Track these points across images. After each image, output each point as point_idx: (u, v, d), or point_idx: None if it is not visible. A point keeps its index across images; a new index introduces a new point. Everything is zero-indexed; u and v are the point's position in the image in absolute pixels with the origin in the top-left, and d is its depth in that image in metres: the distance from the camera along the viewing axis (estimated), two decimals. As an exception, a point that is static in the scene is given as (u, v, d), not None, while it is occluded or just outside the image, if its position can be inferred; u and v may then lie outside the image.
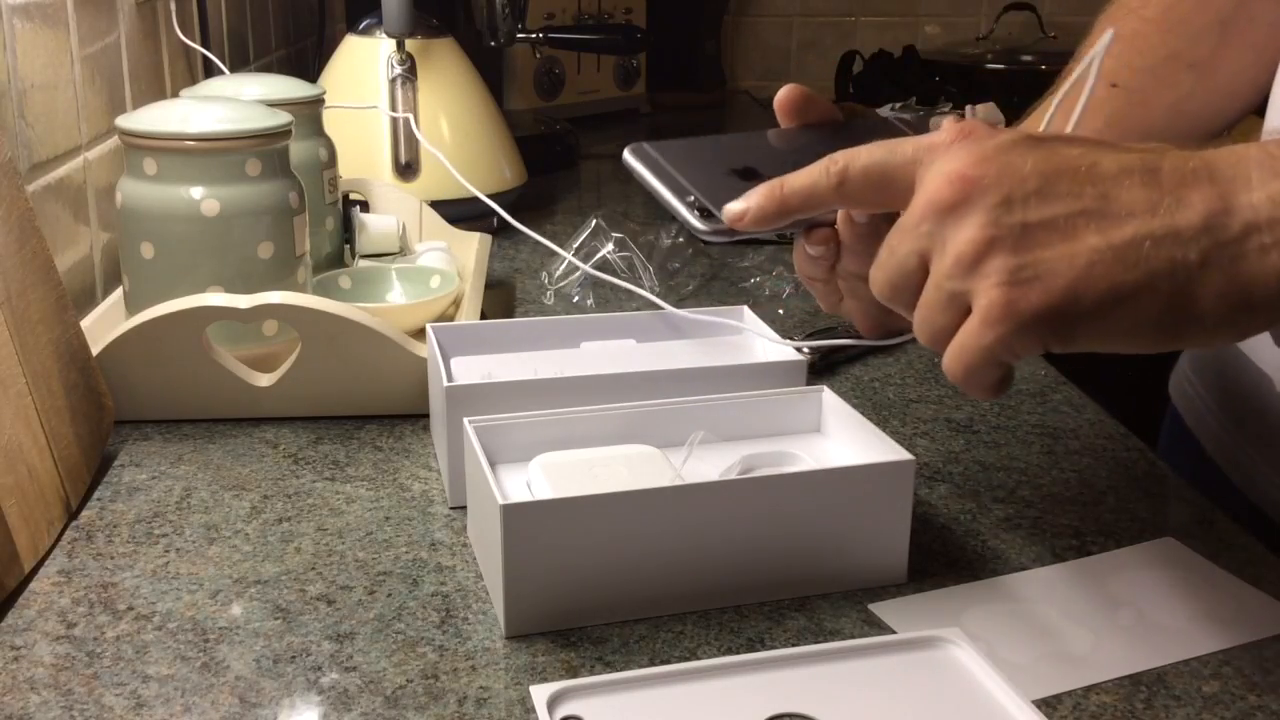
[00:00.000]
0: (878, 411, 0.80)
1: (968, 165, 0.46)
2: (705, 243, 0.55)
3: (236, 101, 0.82)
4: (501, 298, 1.03)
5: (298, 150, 0.86)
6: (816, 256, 0.56)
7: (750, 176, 0.55)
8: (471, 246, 1.02)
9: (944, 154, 0.47)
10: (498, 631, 0.55)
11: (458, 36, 1.23)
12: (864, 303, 0.57)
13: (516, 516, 0.52)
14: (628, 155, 0.56)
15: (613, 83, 1.93)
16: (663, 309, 0.76)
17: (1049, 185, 0.45)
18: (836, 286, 0.58)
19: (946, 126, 0.49)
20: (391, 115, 1.15)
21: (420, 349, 0.76)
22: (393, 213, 1.06)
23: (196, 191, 0.76)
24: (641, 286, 0.99)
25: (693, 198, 0.54)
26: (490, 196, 1.03)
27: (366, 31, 1.19)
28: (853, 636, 0.55)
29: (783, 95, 0.59)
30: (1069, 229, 0.45)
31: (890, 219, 0.54)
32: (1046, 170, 0.46)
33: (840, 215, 0.54)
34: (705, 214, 0.54)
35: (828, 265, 0.56)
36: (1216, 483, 0.77)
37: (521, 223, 0.96)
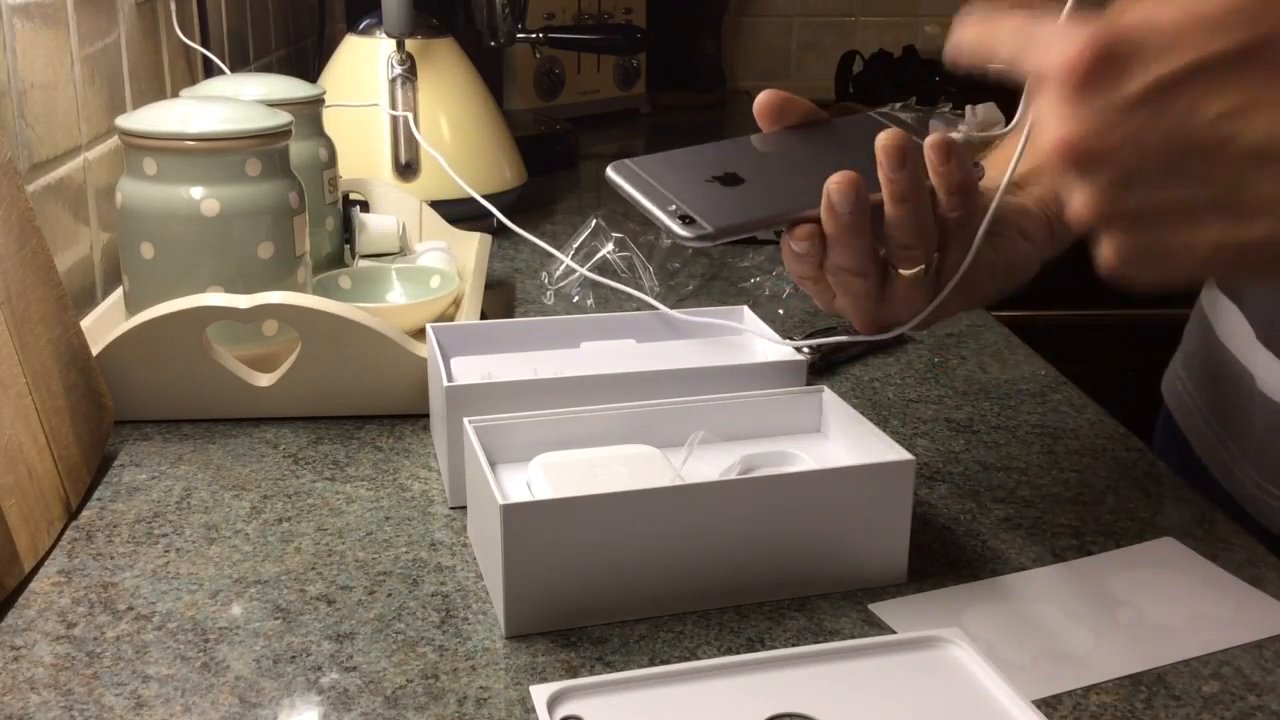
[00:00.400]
0: (878, 411, 0.80)
1: (1083, 136, 0.41)
2: (690, 248, 0.56)
3: (236, 101, 0.82)
4: (501, 298, 1.03)
5: (298, 150, 0.86)
6: (802, 253, 0.56)
7: (731, 182, 0.56)
8: (471, 246, 1.02)
9: (1061, 108, 0.41)
10: (498, 631, 0.55)
11: (458, 36, 1.23)
12: (857, 298, 0.57)
13: (516, 516, 0.52)
14: (610, 172, 0.57)
15: (613, 83, 1.93)
16: (662, 311, 0.76)
17: (1175, 167, 0.41)
18: (828, 284, 0.58)
19: (1070, 44, 0.40)
20: (391, 113, 1.15)
21: (420, 349, 0.76)
22: (393, 213, 1.06)
23: (196, 191, 0.76)
24: (641, 286, 0.99)
25: (674, 206, 0.55)
26: (490, 196, 1.03)
27: (366, 31, 1.20)
28: (853, 636, 0.55)
29: (761, 101, 0.59)
30: (1192, 216, 0.41)
31: (871, 210, 0.54)
32: (1173, 147, 0.40)
33: (823, 207, 0.54)
34: (687, 220, 0.54)
35: (815, 262, 0.56)
36: (1203, 481, 0.77)
37: (522, 223, 0.96)
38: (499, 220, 1.10)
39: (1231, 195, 0.41)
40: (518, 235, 0.94)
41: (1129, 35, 0.40)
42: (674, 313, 0.75)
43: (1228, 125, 0.40)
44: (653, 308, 0.76)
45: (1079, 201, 0.42)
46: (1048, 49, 0.41)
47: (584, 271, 0.94)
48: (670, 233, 0.54)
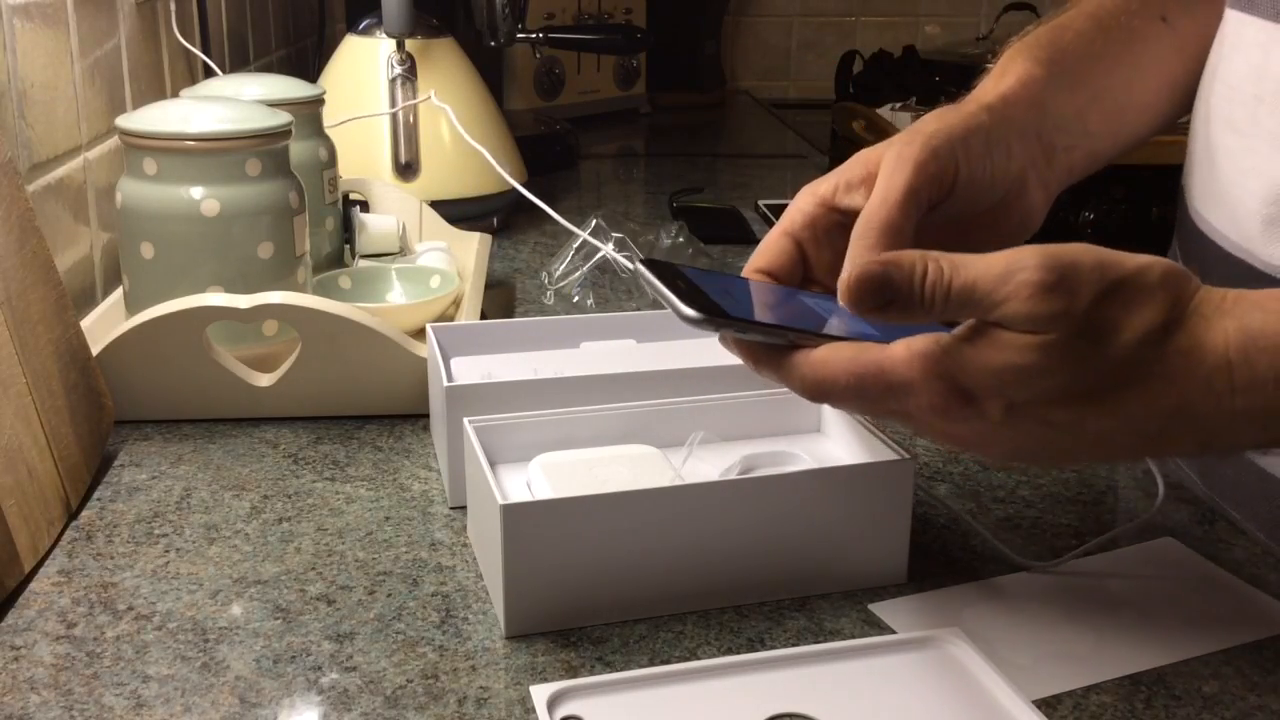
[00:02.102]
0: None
1: (966, 442, 0.47)
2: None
3: (236, 101, 0.82)
4: (501, 298, 1.03)
5: (298, 150, 0.86)
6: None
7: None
8: (471, 246, 1.02)
9: (937, 425, 0.47)
10: (498, 631, 0.55)
11: (458, 36, 1.23)
12: None
13: (516, 516, 0.52)
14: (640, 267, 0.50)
15: (613, 83, 1.93)
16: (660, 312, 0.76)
17: (1047, 449, 0.47)
18: None
19: (924, 389, 0.45)
20: (423, 103, 1.15)
21: (420, 349, 0.76)
22: (393, 213, 1.06)
23: (196, 191, 0.76)
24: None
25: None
26: (490, 196, 1.03)
27: (366, 31, 1.20)
28: (853, 636, 0.55)
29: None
30: (1067, 458, 0.49)
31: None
32: (1037, 443, 0.47)
33: None
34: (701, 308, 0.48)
35: None
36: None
37: (522, 222, 0.96)
38: (499, 220, 1.10)
39: (1093, 453, 0.48)
40: (518, 235, 0.94)
41: (972, 377, 0.45)
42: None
43: (1076, 427, 0.46)
44: (653, 303, 0.76)
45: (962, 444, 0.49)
46: (902, 393, 0.46)
47: (612, 254, 0.94)
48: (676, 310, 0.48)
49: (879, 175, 0.54)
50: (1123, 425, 0.45)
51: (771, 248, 0.56)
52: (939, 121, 0.56)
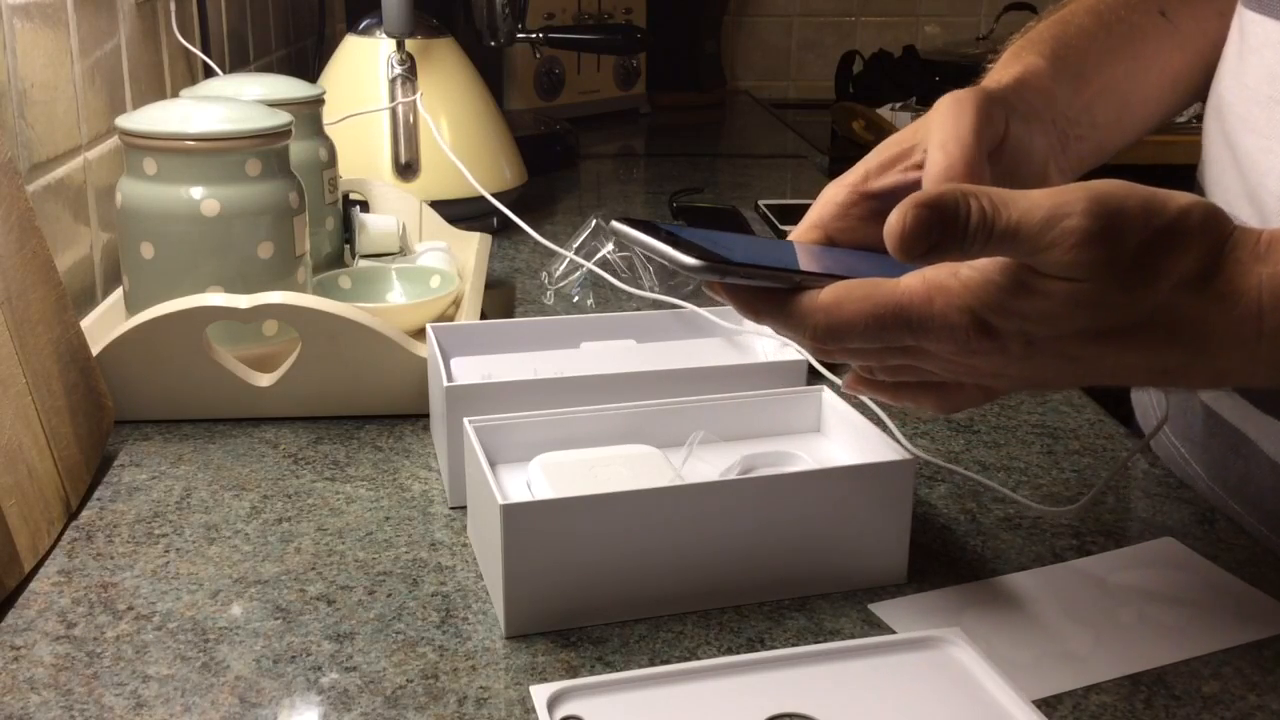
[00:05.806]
0: (877, 411, 0.80)
1: (985, 372, 0.47)
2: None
3: (236, 101, 0.82)
4: (501, 298, 1.03)
5: (298, 150, 0.86)
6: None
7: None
8: (471, 246, 1.02)
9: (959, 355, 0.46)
10: (498, 631, 0.55)
11: (458, 36, 1.23)
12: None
13: (516, 516, 0.52)
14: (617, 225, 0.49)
15: (613, 83, 1.93)
16: (667, 302, 0.76)
17: (1061, 375, 0.48)
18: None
19: (949, 325, 0.45)
20: (401, 100, 1.14)
21: (420, 349, 0.76)
22: (393, 213, 1.06)
23: (196, 191, 0.76)
24: (641, 286, 0.99)
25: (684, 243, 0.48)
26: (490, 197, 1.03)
27: (366, 31, 1.20)
28: (853, 636, 0.55)
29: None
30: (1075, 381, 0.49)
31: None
32: (1051, 372, 0.47)
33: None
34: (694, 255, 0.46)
35: None
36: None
37: (521, 223, 0.96)
38: (499, 220, 1.09)
39: (1106, 381, 0.48)
40: (518, 235, 0.94)
41: (997, 315, 0.45)
42: (675, 310, 0.75)
43: (1096, 360, 0.46)
44: (654, 305, 0.76)
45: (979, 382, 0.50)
46: (920, 328, 0.45)
47: (589, 265, 0.94)
48: (675, 262, 0.47)
49: (937, 126, 0.52)
50: (1143, 361, 0.45)
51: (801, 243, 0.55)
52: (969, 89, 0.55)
